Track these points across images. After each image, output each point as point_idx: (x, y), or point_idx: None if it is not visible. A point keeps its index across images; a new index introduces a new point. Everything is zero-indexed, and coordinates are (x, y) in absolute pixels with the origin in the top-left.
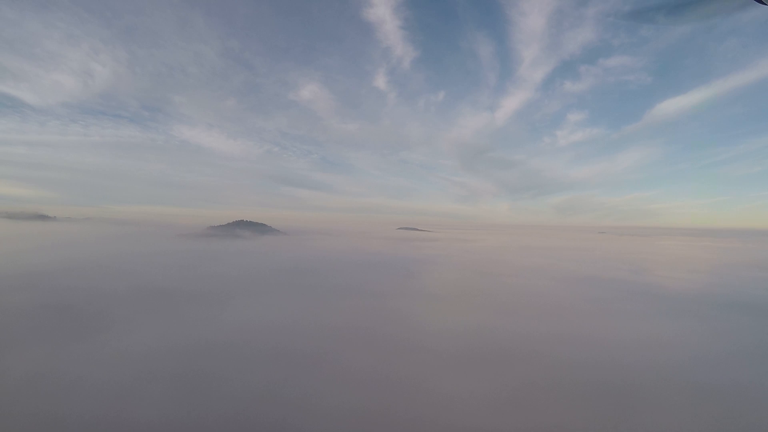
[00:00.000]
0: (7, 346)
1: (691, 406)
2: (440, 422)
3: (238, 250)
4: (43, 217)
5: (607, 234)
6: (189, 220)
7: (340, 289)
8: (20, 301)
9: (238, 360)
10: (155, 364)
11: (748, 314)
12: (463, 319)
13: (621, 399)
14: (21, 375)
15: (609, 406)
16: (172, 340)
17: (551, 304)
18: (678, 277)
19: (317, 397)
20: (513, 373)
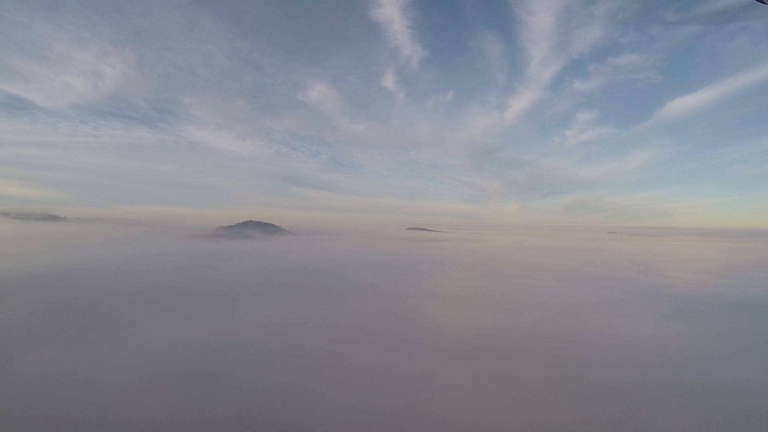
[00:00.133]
0: (18, 347)
1: (699, 406)
2: (449, 423)
3: (247, 250)
4: (53, 218)
5: (617, 234)
6: (199, 220)
7: (349, 289)
8: (31, 301)
9: (248, 360)
10: (165, 364)
11: (757, 315)
12: (472, 320)
13: (629, 400)
14: (32, 376)
15: (617, 407)
16: (182, 340)
17: (560, 304)
18: (687, 278)
19: (326, 398)
20: (521, 374)
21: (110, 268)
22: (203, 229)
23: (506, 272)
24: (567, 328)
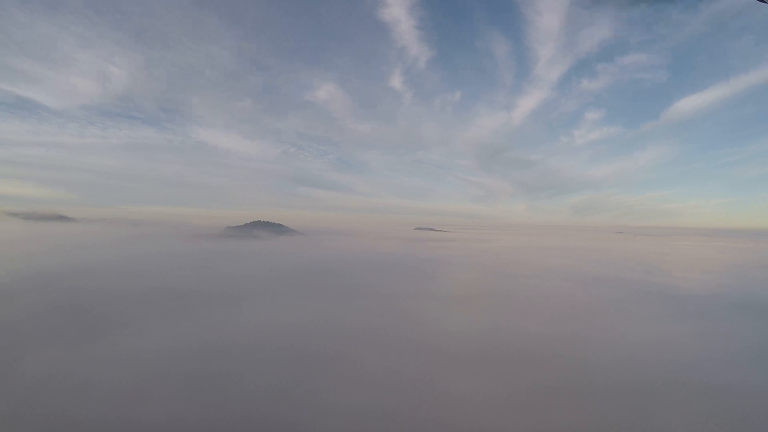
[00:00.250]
0: (23, 347)
1: (705, 407)
2: (454, 424)
3: (255, 250)
4: (61, 218)
5: (624, 234)
6: (207, 220)
7: (355, 289)
8: (36, 301)
9: (253, 361)
10: (171, 364)
11: (762, 315)
12: (478, 320)
13: (635, 400)
14: (36, 375)
15: (623, 408)
16: (186, 340)
17: (566, 304)
18: (694, 278)
19: (332, 398)
20: (527, 374)
21: (117, 269)
22: (211, 229)
23: (513, 272)
24: (573, 328)
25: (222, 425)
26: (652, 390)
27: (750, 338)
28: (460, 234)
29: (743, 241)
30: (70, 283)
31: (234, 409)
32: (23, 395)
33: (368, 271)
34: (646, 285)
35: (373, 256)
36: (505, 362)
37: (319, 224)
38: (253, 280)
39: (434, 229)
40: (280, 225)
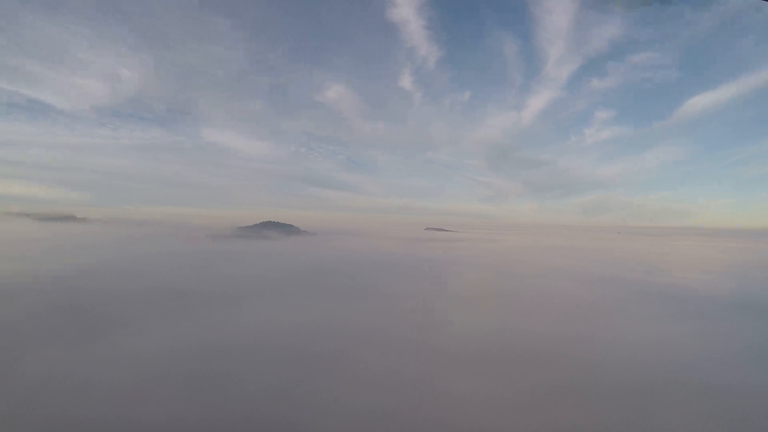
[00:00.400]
0: (25, 347)
1: (705, 407)
2: (459, 424)
3: (265, 251)
4: (73, 219)
5: (633, 234)
6: (217, 221)
7: (362, 290)
8: (38, 302)
9: (254, 361)
10: (177, 365)
11: (762, 315)
12: (483, 320)
13: (637, 400)
14: (34, 376)
15: (625, 408)
16: (191, 341)
17: (570, 304)
18: (694, 278)
19: (331, 398)
20: (531, 374)
21: (125, 270)
22: (222, 229)
23: (519, 272)
24: (577, 328)
25: (222, 425)
26: (653, 390)
27: (750, 338)
28: (469, 234)
29: (750, 241)
30: (76, 284)
31: (234, 409)
32: (23, 395)
33: (376, 271)
34: (647, 285)
35: (382, 256)
36: (511, 362)
37: (329, 224)
38: (260, 280)
39: (444, 230)
40: (290, 225)
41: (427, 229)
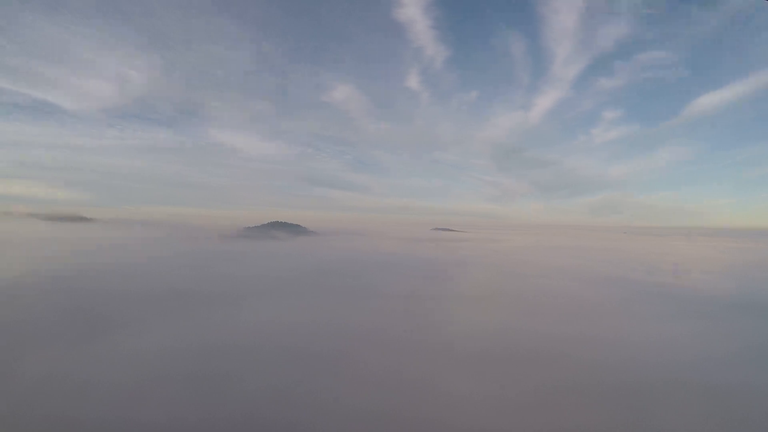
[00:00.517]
0: (25, 347)
1: (705, 407)
2: (458, 424)
3: (272, 251)
4: (82, 219)
5: (639, 234)
6: (225, 221)
7: (366, 290)
8: (41, 302)
9: (257, 361)
10: (182, 365)
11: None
12: (486, 320)
13: (637, 400)
14: (34, 376)
15: (627, 408)
16: (193, 341)
17: (573, 304)
18: (695, 278)
19: (332, 398)
20: (533, 374)
21: (133, 270)
22: (230, 229)
23: (524, 272)
24: (579, 328)
25: (222, 425)
26: (654, 390)
27: (750, 338)
28: (475, 234)
29: (756, 241)
30: (77, 284)
31: (234, 409)
32: (23, 395)
33: (382, 271)
34: (648, 285)
35: (388, 256)
36: (513, 362)
37: (337, 225)
38: (266, 280)
39: (452, 230)
40: (297, 225)
41: (434, 229)
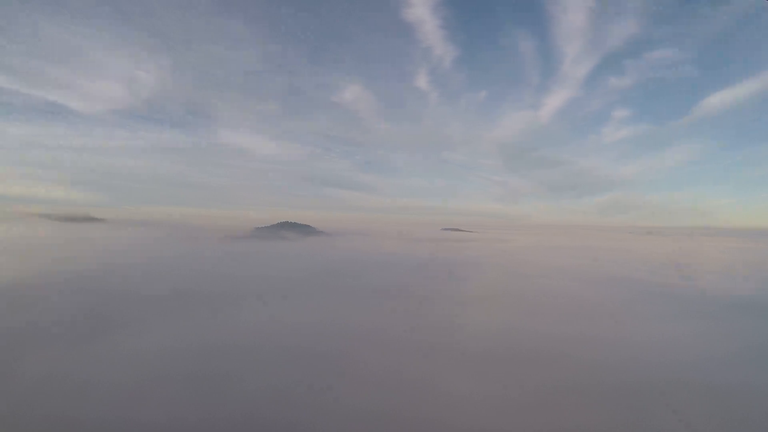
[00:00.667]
0: (22, 347)
1: (706, 407)
2: (458, 424)
3: (281, 252)
4: (92, 220)
5: (646, 235)
6: (235, 222)
7: (375, 291)
8: (42, 302)
9: (258, 361)
10: (187, 365)
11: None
12: (489, 320)
13: (640, 401)
14: (34, 376)
15: (628, 408)
16: (198, 341)
17: (575, 304)
18: (696, 278)
19: (333, 398)
20: (535, 375)
21: (143, 270)
22: (240, 230)
23: (530, 273)
24: (581, 329)
25: (222, 425)
26: (655, 390)
27: (751, 338)
28: (484, 234)
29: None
30: (97, 285)
31: (234, 409)
32: (23, 395)
33: (389, 272)
34: (651, 285)
35: (396, 257)
36: (514, 362)
37: (346, 225)
38: (273, 281)
39: (460, 230)
40: (307, 226)
41: (444, 229)
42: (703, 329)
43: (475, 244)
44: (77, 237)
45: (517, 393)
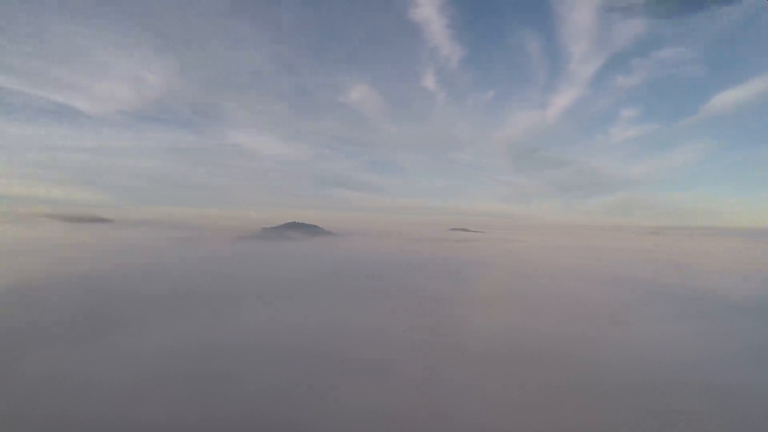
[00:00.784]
0: (22, 347)
1: (706, 407)
2: (459, 424)
3: (288, 252)
4: (101, 220)
5: (657, 234)
6: (242, 222)
7: (381, 291)
8: (42, 303)
9: (258, 361)
10: (190, 365)
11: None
12: (493, 320)
13: (640, 400)
14: (34, 376)
15: (628, 408)
16: (203, 342)
17: (580, 304)
18: (698, 278)
19: (333, 398)
20: (538, 375)
21: (151, 271)
22: (247, 231)
23: (535, 273)
24: (583, 329)
25: (222, 425)
26: (656, 390)
27: (751, 338)
28: (491, 234)
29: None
30: (103, 286)
31: (234, 409)
32: (23, 395)
33: (395, 272)
34: (656, 285)
35: (403, 257)
36: (517, 362)
37: (353, 225)
38: (277, 282)
39: (468, 230)
40: (314, 226)
41: (451, 229)
42: (703, 329)
43: (481, 244)
44: (85, 238)
45: (519, 393)
